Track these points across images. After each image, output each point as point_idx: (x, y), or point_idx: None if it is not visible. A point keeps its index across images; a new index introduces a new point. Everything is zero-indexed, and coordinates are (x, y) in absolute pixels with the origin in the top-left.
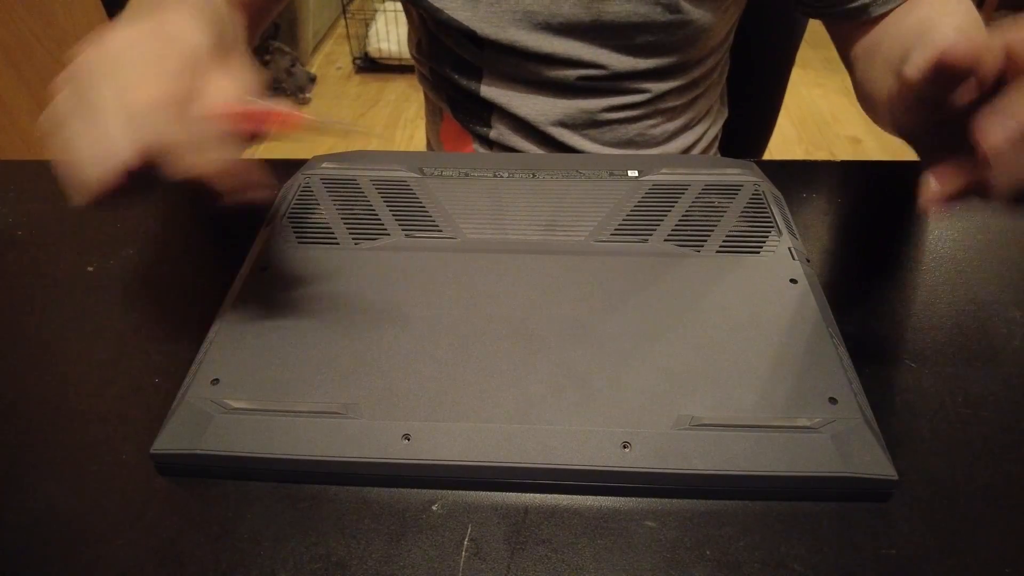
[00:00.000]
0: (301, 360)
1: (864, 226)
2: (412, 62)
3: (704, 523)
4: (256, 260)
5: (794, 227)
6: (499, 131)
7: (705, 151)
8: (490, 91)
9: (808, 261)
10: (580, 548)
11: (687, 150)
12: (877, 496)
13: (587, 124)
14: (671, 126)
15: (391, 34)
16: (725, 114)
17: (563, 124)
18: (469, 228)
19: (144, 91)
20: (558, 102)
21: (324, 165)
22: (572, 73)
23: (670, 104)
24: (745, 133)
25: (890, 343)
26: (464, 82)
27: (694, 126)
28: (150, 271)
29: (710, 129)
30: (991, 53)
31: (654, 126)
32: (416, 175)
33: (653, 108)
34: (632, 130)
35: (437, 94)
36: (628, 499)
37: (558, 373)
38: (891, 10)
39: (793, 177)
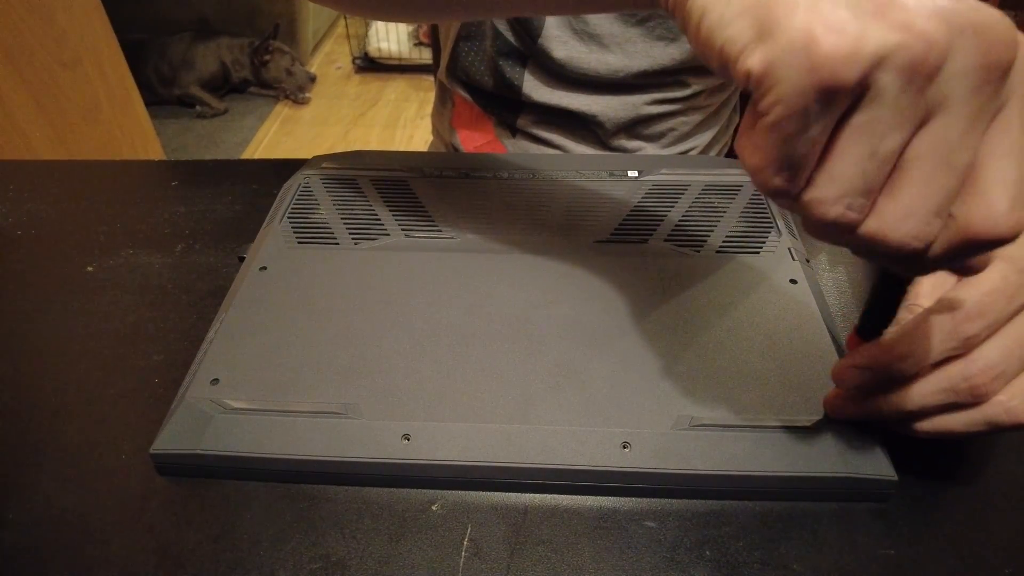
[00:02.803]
0: (301, 360)
1: None
2: (412, 62)
3: (704, 523)
4: (256, 260)
5: (794, 227)
6: (530, 120)
7: (718, 153)
8: (532, 80)
9: (808, 261)
10: (580, 548)
11: (702, 152)
12: (877, 496)
13: (628, 119)
14: (696, 120)
15: (391, 34)
16: (736, 121)
17: (602, 117)
18: (469, 228)
19: None
20: (600, 98)
21: (324, 165)
22: (623, 70)
23: (704, 102)
24: None
25: None
26: (507, 68)
27: (715, 125)
28: (150, 271)
29: (724, 134)
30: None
31: (685, 122)
32: (416, 175)
33: (689, 104)
34: (665, 125)
35: (456, 78)
36: (628, 499)
37: (558, 373)
38: None
39: None
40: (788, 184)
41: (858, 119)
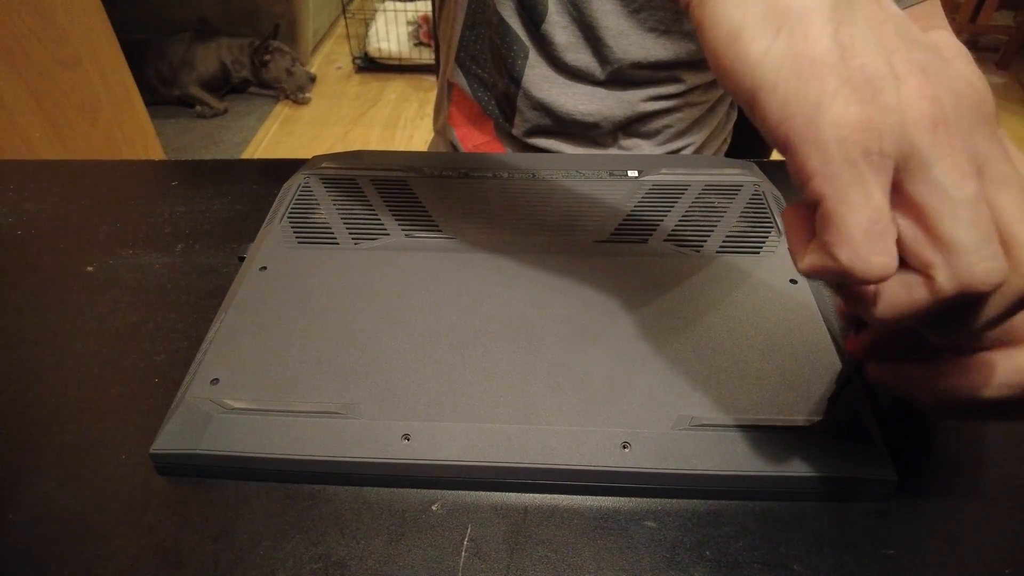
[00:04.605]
0: (301, 360)
1: None
2: (412, 62)
3: (704, 523)
4: (256, 260)
5: None
6: (524, 131)
7: (715, 152)
8: (532, 73)
9: None
10: (580, 548)
11: (700, 148)
12: (877, 496)
13: (624, 117)
14: (692, 117)
15: (391, 34)
16: (734, 117)
17: (598, 116)
18: (469, 228)
19: None
20: (597, 93)
21: (324, 165)
22: (617, 62)
23: (699, 99)
24: (753, 133)
25: None
26: (510, 58)
27: (711, 121)
28: (150, 271)
29: (721, 130)
30: None
31: (681, 119)
32: (416, 175)
33: (684, 101)
34: (661, 122)
35: (464, 67)
36: (628, 499)
37: (558, 373)
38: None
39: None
40: (888, 260)
41: (931, 176)
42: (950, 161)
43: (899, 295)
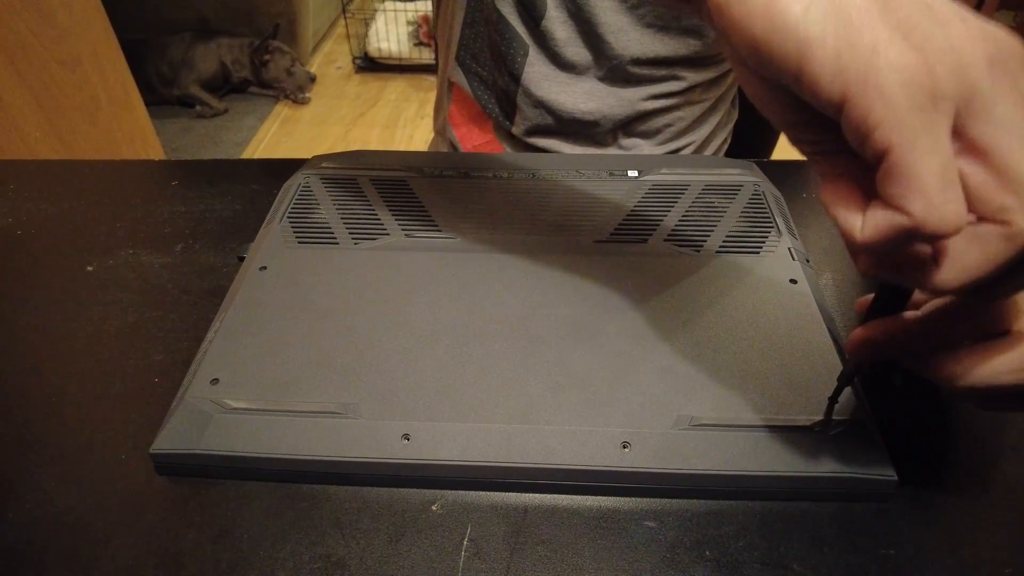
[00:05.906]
0: (301, 360)
1: None
2: (412, 62)
3: (704, 523)
4: (256, 260)
5: (794, 227)
6: (524, 129)
7: (716, 151)
8: (532, 71)
9: (808, 261)
10: (580, 548)
11: (700, 147)
12: (877, 496)
13: (625, 115)
14: (692, 116)
15: (391, 34)
16: (735, 116)
17: (597, 115)
18: (469, 228)
19: None
20: (597, 89)
21: (324, 165)
22: (616, 58)
23: (699, 97)
24: (753, 133)
25: None
26: (509, 56)
27: (712, 120)
28: (150, 271)
29: (722, 130)
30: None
31: (681, 118)
32: (416, 175)
33: (684, 99)
34: (662, 121)
35: (463, 66)
36: (628, 499)
37: (558, 373)
38: None
39: (793, 177)
40: (961, 210)
41: (994, 115)
42: (1012, 98)
43: (970, 252)
